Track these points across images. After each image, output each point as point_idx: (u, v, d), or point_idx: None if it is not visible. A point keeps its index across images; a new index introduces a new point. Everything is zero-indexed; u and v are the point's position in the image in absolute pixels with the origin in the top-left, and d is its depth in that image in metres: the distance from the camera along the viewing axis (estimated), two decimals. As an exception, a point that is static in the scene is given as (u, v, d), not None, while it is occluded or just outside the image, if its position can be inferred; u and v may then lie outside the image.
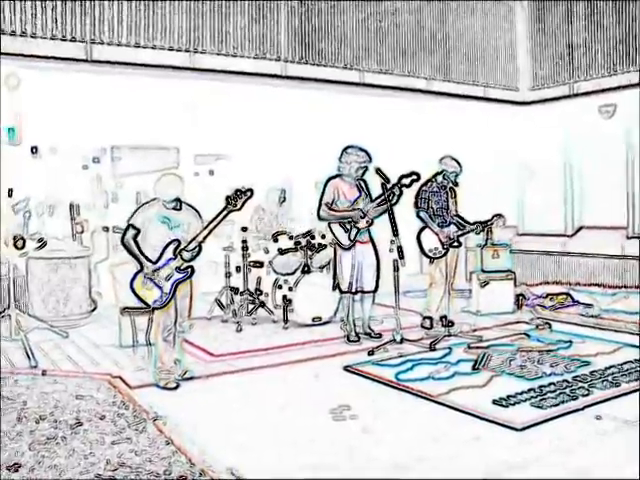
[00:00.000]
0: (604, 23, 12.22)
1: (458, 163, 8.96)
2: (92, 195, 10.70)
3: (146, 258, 6.40)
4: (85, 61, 9.85)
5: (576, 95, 12.85)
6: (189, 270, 6.51)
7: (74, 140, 10.15)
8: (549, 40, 13.27)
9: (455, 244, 8.90)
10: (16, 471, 4.53)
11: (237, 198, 6.40)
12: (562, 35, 13.01)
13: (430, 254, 8.81)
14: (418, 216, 8.85)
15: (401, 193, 8.02)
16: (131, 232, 6.44)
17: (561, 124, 12.91)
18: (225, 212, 6.41)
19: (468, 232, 8.98)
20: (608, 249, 11.78)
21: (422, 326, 9.03)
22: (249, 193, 6.43)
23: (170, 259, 6.43)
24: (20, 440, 5.11)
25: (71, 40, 9.71)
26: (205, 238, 6.45)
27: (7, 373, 6.95)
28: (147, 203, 6.70)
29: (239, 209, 6.44)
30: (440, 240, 8.79)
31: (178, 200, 6.57)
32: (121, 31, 10.07)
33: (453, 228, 8.88)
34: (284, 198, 10.55)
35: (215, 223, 6.41)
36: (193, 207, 6.70)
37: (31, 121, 9.80)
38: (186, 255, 6.44)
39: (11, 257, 8.63)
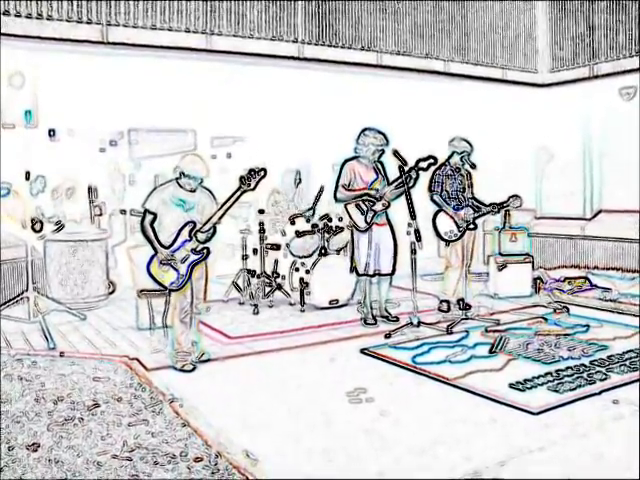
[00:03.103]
0: (625, 3, 12.05)
1: (469, 143, 8.88)
2: (110, 178, 10.73)
3: (160, 244, 6.41)
4: (101, 43, 9.84)
5: (596, 77, 12.71)
6: (204, 251, 6.51)
7: (91, 123, 10.17)
8: (569, 21, 13.12)
9: (471, 226, 8.84)
10: (35, 451, 4.57)
11: (251, 178, 6.38)
12: (582, 16, 12.86)
13: (446, 237, 8.77)
14: (432, 199, 8.80)
15: (418, 176, 7.99)
16: (148, 218, 6.44)
17: (581, 106, 12.78)
18: (239, 192, 6.39)
19: (484, 214, 8.91)
20: (627, 233, 11.68)
21: (439, 309, 9.01)
22: (262, 172, 6.40)
23: (185, 241, 6.44)
24: (39, 421, 5.15)
25: (87, 22, 9.69)
26: (220, 219, 6.44)
27: (25, 354, 7.00)
28: (161, 185, 6.68)
29: (253, 189, 6.41)
30: (455, 223, 8.75)
31: (202, 180, 6.56)
32: (137, 13, 10.04)
33: (469, 210, 8.82)
34: (299, 180, 10.54)
35: (230, 204, 6.40)
36: (207, 189, 6.69)
37: (48, 104, 9.83)
38: (201, 236, 6.44)
39: (29, 239, 8.66)
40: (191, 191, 6.56)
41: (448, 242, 8.86)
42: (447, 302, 9.02)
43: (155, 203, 6.47)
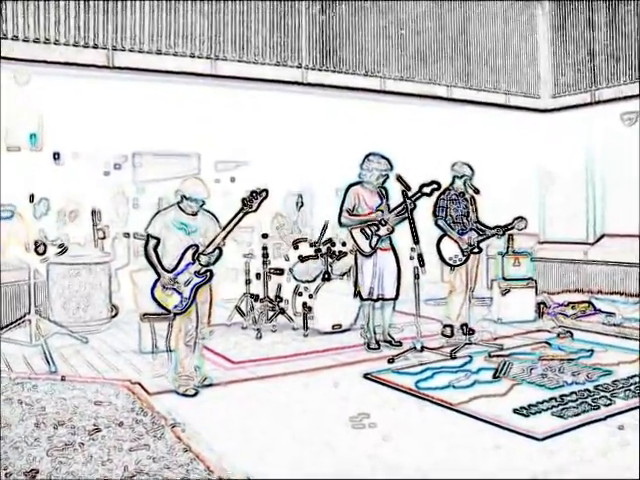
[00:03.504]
0: (626, 30, 12.11)
1: (470, 167, 8.90)
2: (113, 201, 10.75)
3: (163, 268, 6.42)
4: (107, 67, 9.90)
5: (598, 102, 12.75)
6: (208, 274, 6.51)
7: (96, 146, 10.22)
8: (571, 47, 13.19)
9: (475, 250, 8.83)
10: (33, 477, 4.54)
11: (252, 199, 6.41)
12: (584, 42, 12.92)
13: (450, 262, 8.77)
14: (436, 224, 8.81)
15: (416, 204, 7.99)
16: (151, 242, 6.46)
17: (583, 132, 12.81)
18: (241, 214, 6.42)
19: (489, 237, 8.91)
20: (630, 257, 11.66)
21: (443, 334, 8.98)
22: (264, 194, 6.44)
23: (189, 264, 6.44)
24: (38, 446, 5.11)
25: (93, 47, 9.75)
26: (223, 240, 6.46)
27: (26, 378, 6.98)
28: (163, 210, 6.72)
29: (255, 210, 6.44)
30: (460, 247, 8.74)
31: (204, 202, 6.58)
32: (143, 38, 10.10)
33: (473, 234, 8.82)
34: (302, 203, 10.55)
35: (232, 226, 6.42)
36: (210, 212, 6.71)
37: (53, 127, 9.87)
38: (204, 259, 6.44)
39: (32, 262, 8.66)
40: (193, 214, 6.57)
41: (452, 267, 8.85)
42: (450, 327, 8.99)
43: (158, 228, 6.49)
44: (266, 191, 6.45)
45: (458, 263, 8.77)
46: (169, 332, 7.33)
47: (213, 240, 6.45)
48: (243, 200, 6.43)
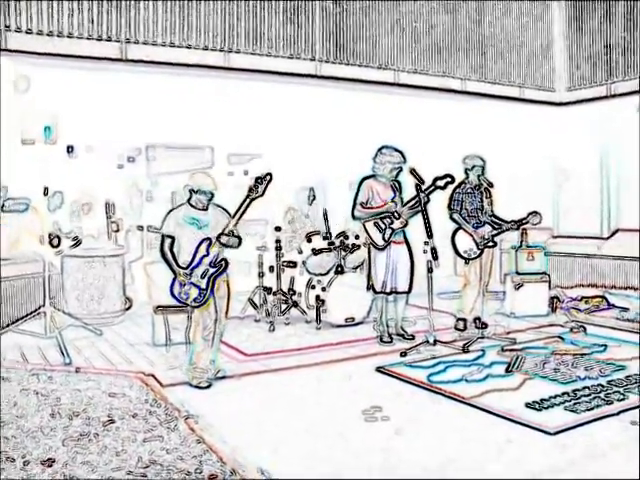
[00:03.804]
0: (642, 23, 12.05)
1: (481, 159, 8.87)
2: (127, 194, 10.78)
3: (178, 265, 6.48)
4: (120, 60, 9.93)
5: (613, 96, 12.68)
6: (222, 263, 6.54)
7: (109, 139, 10.23)
8: (586, 40, 13.12)
9: (490, 244, 8.81)
10: (50, 466, 4.58)
11: (258, 185, 6.51)
12: (600, 35, 12.85)
13: (465, 255, 8.75)
14: (451, 218, 8.80)
15: (429, 197, 7.98)
16: (167, 242, 6.53)
17: (598, 125, 12.75)
18: (248, 200, 6.50)
19: (504, 231, 8.89)
20: (645, 252, 11.63)
21: (456, 328, 8.97)
22: (268, 177, 6.57)
23: (203, 256, 6.48)
24: (54, 436, 5.16)
25: (107, 40, 9.79)
26: (235, 225, 6.52)
27: (41, 370, 7.03)
28: (175, 209, 6.76)
29: (262, 195, 6.53)
30: (475, 241, 8.73)
31: (213, 195, 6.62)
32: (156, 31, 10.13)
33: (488, 228, 8.80)
34: (314, 197, 10.54)
35: (241, 212, 6.51)
36: (219, 205, 6.75)
37: (67, 120, 9.91)
38: (224, 239, 6.49)
39: (47, 255, 8.71)
40: (203, 209, 6.61)
41: (467, 260, 8.83)
42: (464, 320, 8.98)
43: (172, 226, 6.54)
44: (270, 175, 6.56)
45: (473, 257, 8.76)
46: (189, 325, 7.34)
47: (226, 227, 6.50)
48: (250, 188, 6.50)
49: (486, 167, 8.90)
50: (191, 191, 6.61)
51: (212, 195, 6.63)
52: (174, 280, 6.51)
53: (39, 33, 9.30)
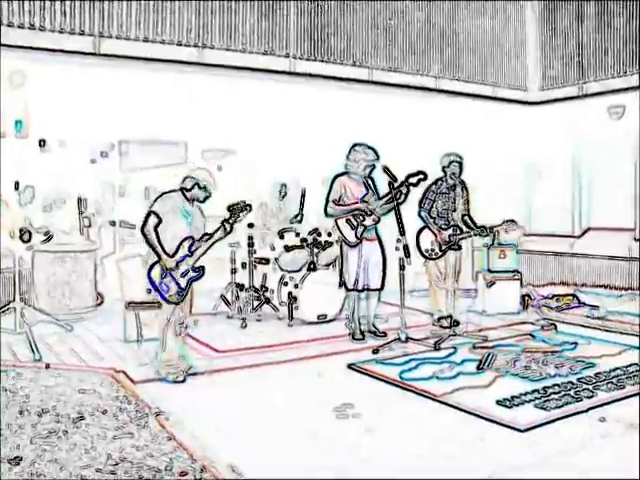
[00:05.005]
0: (614, 23, 12.15)
1: (459, 157, 8.89)
2: (100, 189, 10.70)
3: (164, 251, 6.39)
4: (93, 54, 9.85)
5: (585, 96, 12.79)
6: (201, 270, 6.54)
7: (82, 134, 10.14)
8: (559, 40, 13.22)
9: (454, 247, 8.84)
10: (17, 464, 4.53)
11: (233, 217, 6.62)
12: (572, 35, 12.95)
13: (426, 254, 8.82)
14: (419, 215, 8.83)
15: (408, 192, 8.00)
16: (153, 220, 6.38)
17: (570, 125, 12.86)
18: (222, 234, 6.65)
19: (470, 236, 8.95)
20: (615, 251, 11.74)
21: (441, 326, 8.85)
22: (247, 209, 6.67)
23: (186, 255, 6.45)
24: (22, 434, 5.11)
25: (79, 34, 9.71)
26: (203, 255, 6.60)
27: (10, 366, 6.96)
28: (168, 193, 6.64)
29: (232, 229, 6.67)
30: (438, 241, 8.77)
31: (210, 195, 6.63)
32: (130, 25, 10.06)
33: (455, 230, 8.80)
34: (285, 192, 10.53)
35: (209, 244, 6.61)
36: (200, 207, 6.78)
37: (39, 114, 9.81)
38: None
39: (17, 250, 8.63)
40: (192, 203, 6.59)
41: (426, 259, 8.88)
42: (450, 317, 8.81)
43: (163, 209, 6.45)
44: (249, 206, 6.57)
45: (433, 257, 8.81)
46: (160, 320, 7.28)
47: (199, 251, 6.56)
48: (223, 219, 6.59)
49: (464, 165, 8.92)
50: (196, 184, 6.56)
51: (209, 196, 6.62)
52: (152, 267, 6.44)
53: (9, 25, 9.19)
